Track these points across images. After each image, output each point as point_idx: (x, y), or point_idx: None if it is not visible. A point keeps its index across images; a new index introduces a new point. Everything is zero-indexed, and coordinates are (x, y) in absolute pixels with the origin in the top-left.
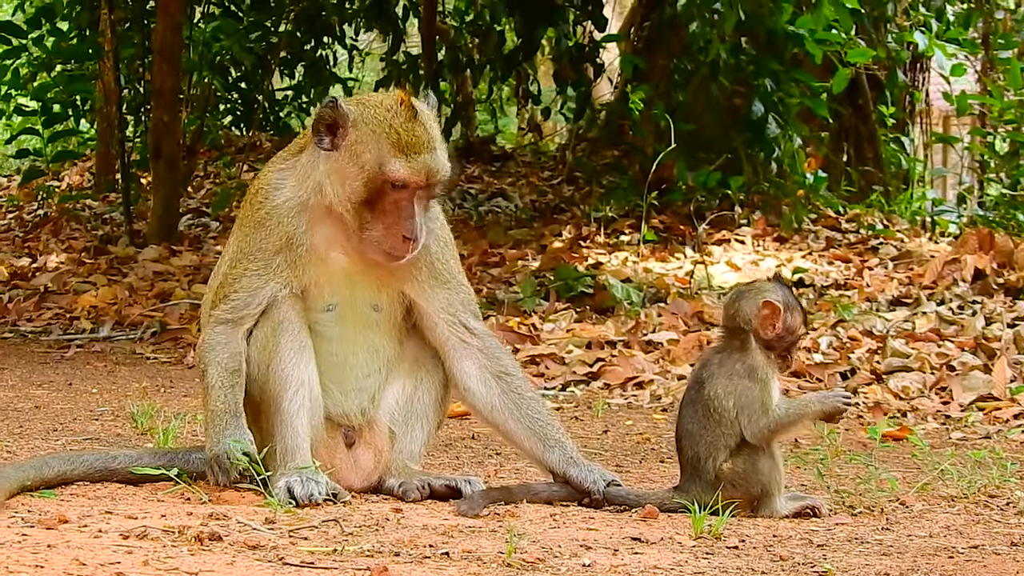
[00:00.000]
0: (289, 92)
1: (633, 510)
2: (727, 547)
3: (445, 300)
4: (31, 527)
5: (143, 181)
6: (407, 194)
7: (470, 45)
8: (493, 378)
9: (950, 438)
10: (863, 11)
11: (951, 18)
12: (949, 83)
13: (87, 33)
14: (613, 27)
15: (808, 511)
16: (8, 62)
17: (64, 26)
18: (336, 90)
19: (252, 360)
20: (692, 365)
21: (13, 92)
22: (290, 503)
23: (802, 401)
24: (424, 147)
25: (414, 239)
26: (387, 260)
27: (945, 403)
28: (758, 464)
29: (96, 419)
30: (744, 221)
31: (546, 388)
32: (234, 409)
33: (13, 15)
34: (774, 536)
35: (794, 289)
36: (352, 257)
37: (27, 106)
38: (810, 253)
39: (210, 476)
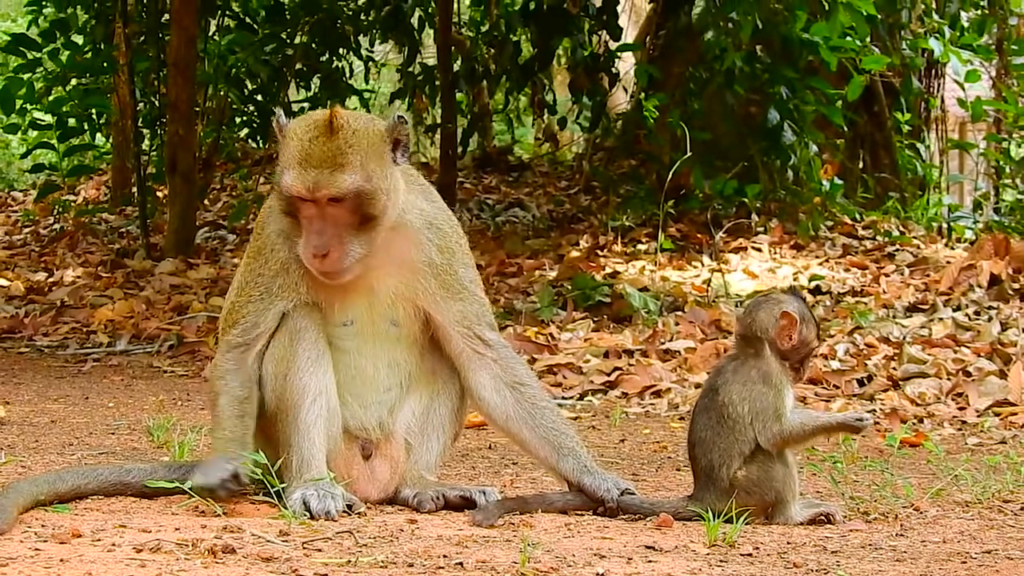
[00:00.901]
0: (305, 104)
1: (647, 519)
2: (741, 555)
3: (459, 312)
4: (44, 541)
5: (159, 194)
6: (315, 209)
7: (486, 56)
8: (507, 388)
9: (966, 444)
10: (878, 18)
11: (965, 24)
12: (964, 89)
13: (102, 47)
14: (628, 36)
15: (823, 518)
16: (24, 76)
17: (79, 40)
18: (352, 102)
19: (268, 371)
20: (708, 373)
21: (29, 106)
22: (305, 515)
23: (818, 414)
24: (320, 162)
25: (321, 255)
26: (320, 276)
27: (961, 409)
28: (772, 471)
29: (112, 433)
30: (761, 229)
31: (564, 397)
32: (241, 439)
33: (28, 29)
34: (788, 543)
35: (809, 299)
36: (364, 275)
37: (42, 120)
38: (827, 260)
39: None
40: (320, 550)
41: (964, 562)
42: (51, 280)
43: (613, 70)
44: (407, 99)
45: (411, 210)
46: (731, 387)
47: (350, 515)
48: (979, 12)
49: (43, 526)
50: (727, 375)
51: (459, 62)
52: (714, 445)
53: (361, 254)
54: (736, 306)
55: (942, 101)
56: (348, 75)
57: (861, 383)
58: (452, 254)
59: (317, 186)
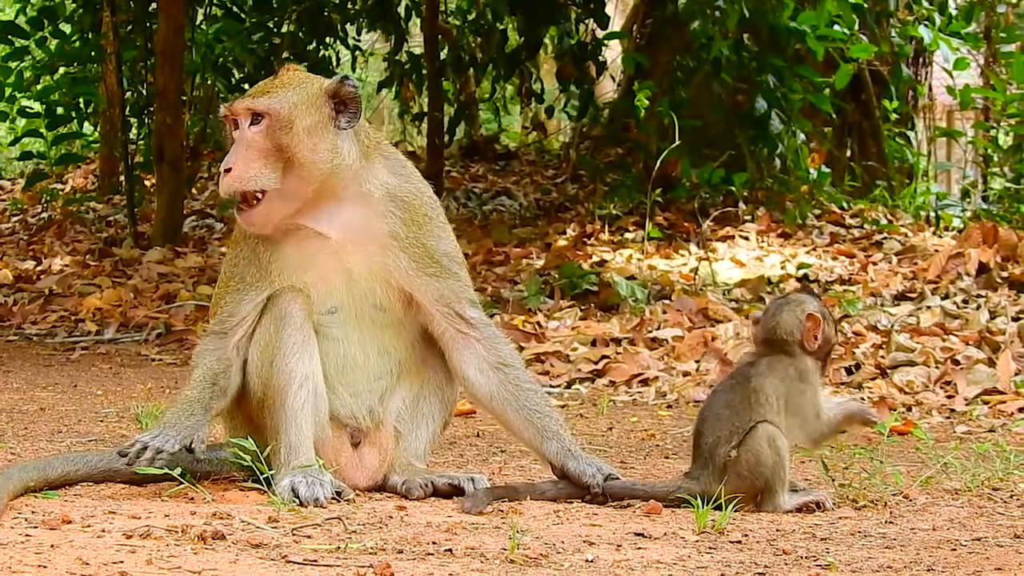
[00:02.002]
0: None
1: (636, 505)
2: (730, 541)
3: (436, 290)
4: (34, 527)
5: (147, 183)
6: (236, 134)
7: (473, 44)
8: (491, 368)
9: (955, 432)
10: (865, 6)
11: (953, 12)
12: (952, 77)
13: (89, 36)
14: (615, 25)
15: (813, 506)
16: (12, 64)
17: (66, 28)
18: None
19: (254, 358)
20: (697, 362)
21: (17, 94)
22: (294, 502)
23: (840, 402)
24: (253, 88)
25: (225, 170)
26: (239, 220)
27: (950, 397)
28: (761, 457)
29: (101, 421)
30: (748, 217)
31: (551, 386)
32: (205, 402)
33: (16, 17)
34: (777, 530)
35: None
36: (336, 256)
37: (31, 107)
38: (814, 249)
39: (154, 442)
40: (309, 536)
41: (954, 549)
42: (39, 268)
43: (600, 59)
44: (394, 88)
45: (371, 180)
46: (765, 379)
47: (339, 502)
48: (967, 0)
49: (33, 512)
50: (762, 367)
51: (446, 50)
52: (728, 421)
53: (270, 186)
54: (724, 295)
55: (930, 89)
56: (335, 64)
57: (849, 371)
58: (419, 227)
59: (235, 104)
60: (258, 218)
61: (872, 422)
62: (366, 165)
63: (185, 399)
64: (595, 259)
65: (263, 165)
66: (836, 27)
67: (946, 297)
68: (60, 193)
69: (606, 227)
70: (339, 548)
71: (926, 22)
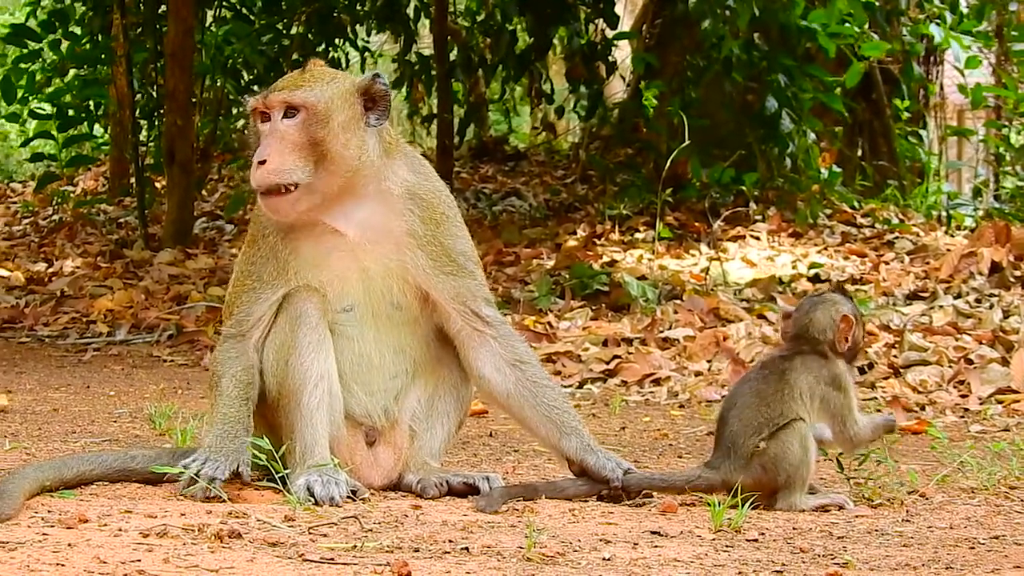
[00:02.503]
0: None
1: (652, 504)
2: (747, 540)
3: (452, 288)
4: (51, 527)
5: (157, 185)
6: (268, 127)
7: (482, 45)
8: (508, 366)
9: (969, 431)
10: (876, 4)
11: (965, 10)
12: (964, 76)
13: (99, 38)
14: (624, 25)
15: (833, 509)
16: (23, 66)
17: (77, 31)
18: None
19: (269, 357)
20: (709, 361)
21: (29, 96)
22: (310, 500)
23: (872, 416)
24: (283, 80)
25: (259, 162)
26: (266, 208)
27: (963, 396)
28: (790, 453)
29: (114, 421)
30: (759, 217)
31: (563, 386)
32: (246, 422)
33: (26, 20)
34: (794, 528)
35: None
36: (353, 254)
37: (42, 109)
38: (826, 248)
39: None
40: (326, 535)
41: (972, 548)
42: (51, 270)
43: (610, 59)
44: (403, 89)
45: (391, 178)
46: (801, 377)
47: (354, 501)
48: None
49: (50, 512)
50: (796, 363)
51: (455, 51)
52: (757, 411)
53: (303, 180)
54: (735, 295)
55: (941, 88)
56: (344, 65)
57: (862, 371)
58: (437, 225)
59: (271, 96)
60: (286, 207)
61: (894, 430)
62: (387, 163)
63: (224, 418)
64: (605, 259)
65: (297, 158)
66: (847, 25)
67: (959, 296)
68: (71, 195)
69: (616, 227)
70: (355, 547)
71: (937, 20)
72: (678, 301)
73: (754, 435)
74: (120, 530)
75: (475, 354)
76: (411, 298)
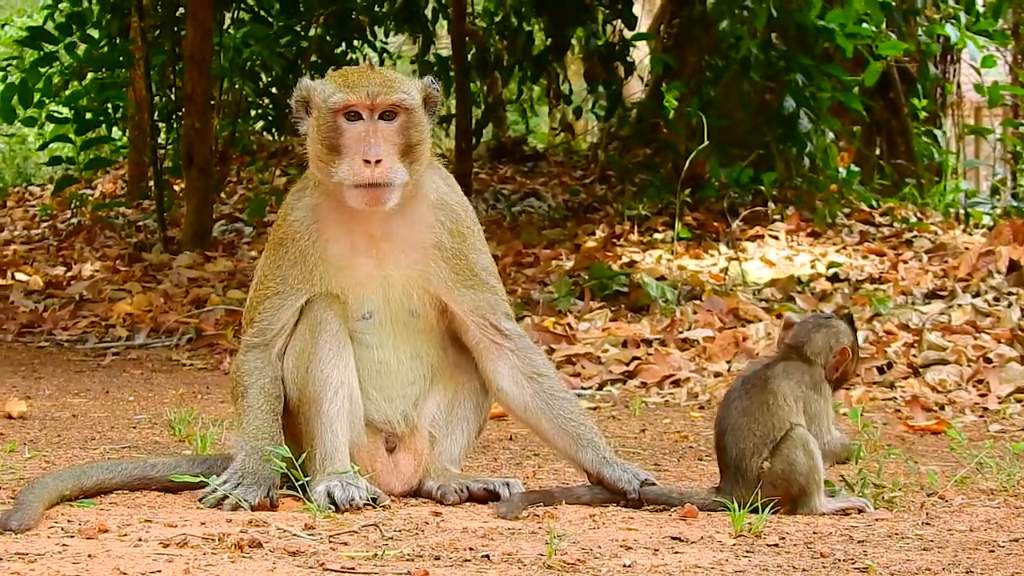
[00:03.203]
0: None
1: (672, 509)
2: (767, 545)
3: (472, 301)
4: (71, 537)
5: (176, 188)
6: (363, 125)
7: (500, 46)
8: (525, 379)
9: (988, 430)
10: (893, 4)
11: (981, 9)
12: (980, 74)
13: (117, 41)
14: (642, 25)
15: (854, 512)
16: (41, 69)
17: (95, 33)
18: None
19: (289, 364)
20: (729, 362)
21: (46, 100)
22: (330, 508)
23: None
24: (367, 77)
25: (375, 160)
26: (361, 200)
27: (983, 395)
28: (796, 464)
29: (134, 427)
30: (778, 217)
31: (583, 388)
32: (278, 437)
33: (44, 23)
34: (814, 533)
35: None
36: (377, 261)
37: (59, 112)
38: (844, 247)
39: (236, 493)
40: (346, 543)
41: (992, 551)
42: (69, 274)
43: (628, 59)
44: None
45: (427, 185)
46: (782, 383)
47: (375, 508)
48: None
49: (69, 521)
50: (777, 370)
51: (473, 52)
52: (750, 432)
53: (404, 180)
54: (754, 295)
55: (958, 87)
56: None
57: (881, 371)
58: (463, 239)
59: (375, 94)
60: (387, 201)
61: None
62: (427, 170)
63: (256, 433)
64: (625, 260)
65: (399, 159)
66: (864, 25)
67: (977, 295)
68: (89, 199)
69: (635, 228)
70: (376, 555)
71: (953, 20)
72: (697, 302)
73: (755, 456)
74: (140, 540)
75: (493, 366)
76: (429, 307)
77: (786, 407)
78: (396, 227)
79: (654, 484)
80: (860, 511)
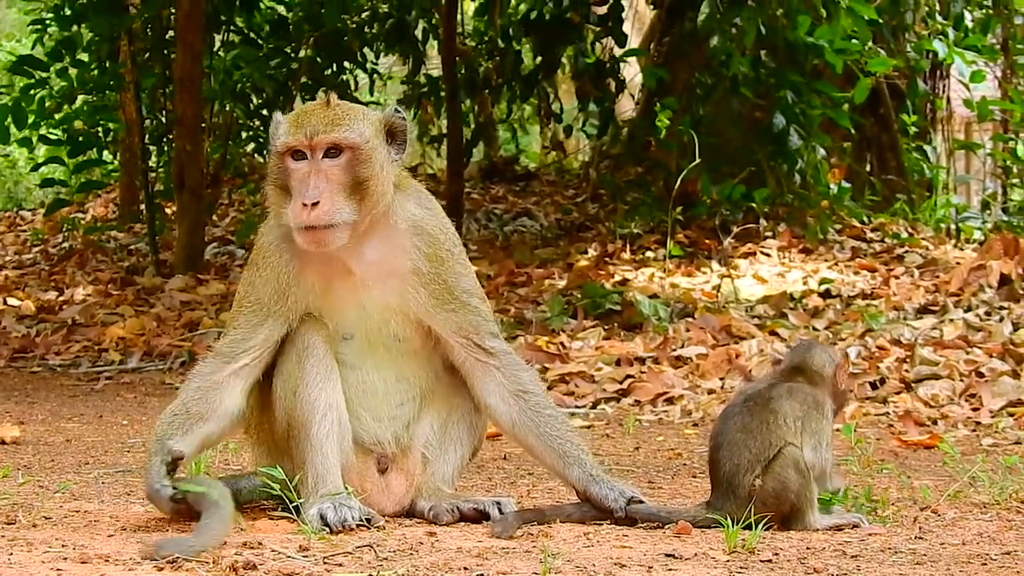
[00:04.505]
0: None
1: (665, 526)
2: (761, 561)
3: (454, 323)
4: (65, 560)
5: (168, 211)
6: (309, 166)
7: (490, 65)
8: (512, 396)
9: (981, 444)
10: (881, 20)
11: (969, 25)
12: (969, 90)
13: (108, 64)
14: (632, 43)
15: (846, 528)
16: (33, 92)
17: (85, 57)
18: None
19: (277, 388)
20: (722, 379)
21: (40, 122)
22: (323, 529)
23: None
24: (318, 119)
25: (312, 203)
26: (304, 242)
27: (975, 410)
28: (788, 482)
29: (128, 451)
30: (769, 233)
31: (576, 406)
32: (164, 437)
33: (32, 48)
34: (808, 548)
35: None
36: (353, 288)
37: (53, 134)
38: (836, 263)
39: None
40: (341, 564)
41: (984, 564)
42: (62, 299)
43: (619, 76)
44: (412, 110)
45: (399, 212)
46: (786, 403)
47: (369, 528)
48: (983, 12)
49: (63, 546)
50: (781, 390)
51: (463, 72)
52: (745, 448)
53: (350, 220)
54: (747, 311)
55: (948, 102)
56: (353, 88)
57: (874, 386)
58: (441, 263)
59: (314, 133)
60: (330, 241)
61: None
62: (398, 198)
63: (158, 432)
64: (617, 278)
65: (344, 199)
66: (853, 42)
67: (969, 309)
68: (81, 222)
69: (627, 246)
70: (371, 575)
71: (941, 36)
72: (690, 319)
73: (748, 473)
74: (135, 563)
75: (480, 384)
76: (411, 331)
77: (785, 427)
78: (370, 255)
79: (642, 502)
80: (855, 526)
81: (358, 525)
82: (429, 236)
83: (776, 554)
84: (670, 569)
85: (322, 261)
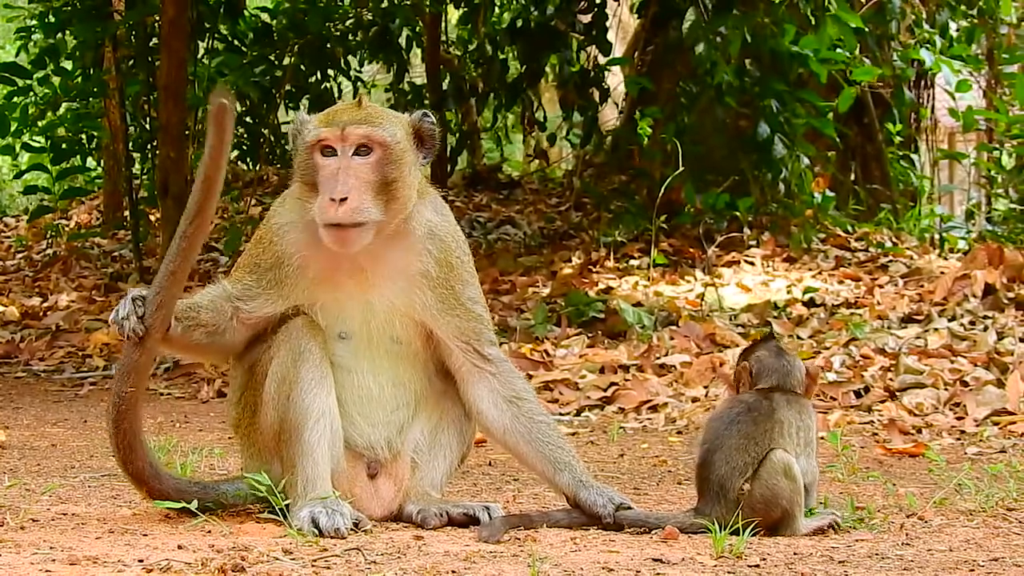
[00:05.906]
0: None
1: (652, 532)
2: (748, 566)
3: (456, 328)
4: (53, 561)
5: (151, 218)
6: (338, 162)
7: (474, 74)
8: (505, 402)
9: (966, 453)
10: (867, 29)
11: (955, 34)
12: (955, 99)
13: (92, 71)
14: (617, 52)
15: (829, 528)
16: (17, 100)
17: (68, 65)
18: None
19: (271, 391)
20: (706, 387)
21: (23, 129)
22: (314, 532)
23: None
24: (350, 116)
25: (340, 199)
26: (329, 240)
27: (960, 419)
28: (778, 488)
29: (112, 455)
30: (753, 242)
31: (560, 414)
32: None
33: (16, 55)
34: (795, 554)
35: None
36: (360, 285)
37: (37, 141)
38: (820, 272)
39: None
40: (329, 567)
41: (972, 570)
42: (45, 305)
43: (604, 85)
44: None
45: (416, 217)
46: (787, 412)
47: (357, 532)
48: (968, 22)
49: (52, 547)
50: (781, 401)
51: (447, 80)
52: (744, 452)
53: (377, 219)
54: (730, 320)
55: (932, 111)
56: (337, 95)
57: (858, 394)
58: (451, 269)
59: (347, 130)
60: (356, 240)
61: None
62: (418, 202)
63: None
64: (601, 286)
65: (372, 197)
66: (838, 50)
67: (953, 319)
68: (65, 229)
69: (611, 254)
70: None
71: (927, 45)
72: (674, 327)
73: (741, 477)
74: (124, 565)
75: (474, 390)
76: (412, 334)
77: (786, 436)
78: (382, 255)
79: (630, 508)
80: (835, 525)
81: (349, 530)
82: (442, 242)
83: (763, 559)
84: (657, 573)
85: (332, 253)
